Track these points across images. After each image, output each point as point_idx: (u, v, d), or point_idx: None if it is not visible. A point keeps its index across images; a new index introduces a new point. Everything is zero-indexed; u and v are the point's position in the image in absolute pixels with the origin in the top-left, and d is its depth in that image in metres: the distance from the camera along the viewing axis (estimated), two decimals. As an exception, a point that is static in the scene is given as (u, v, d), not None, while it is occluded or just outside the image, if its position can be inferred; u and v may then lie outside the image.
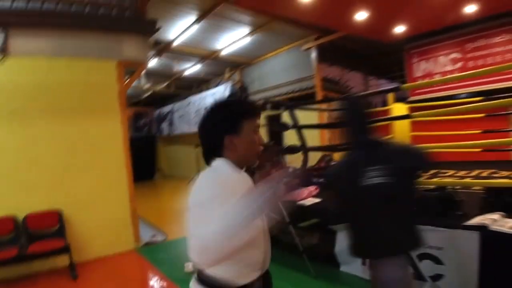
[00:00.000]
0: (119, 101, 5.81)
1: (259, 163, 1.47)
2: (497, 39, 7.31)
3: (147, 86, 12.46)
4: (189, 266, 4.49)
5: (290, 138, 6.36)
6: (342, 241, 4.11)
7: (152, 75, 11.54)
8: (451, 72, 8.00)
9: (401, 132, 6.85)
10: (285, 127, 5.10)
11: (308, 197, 4.83)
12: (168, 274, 4.61)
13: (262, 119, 1.45)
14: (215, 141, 1.37)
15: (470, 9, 6.29)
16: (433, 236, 3.16)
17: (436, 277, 3.24)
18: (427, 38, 8.19)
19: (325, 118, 8.48)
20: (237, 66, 11.40)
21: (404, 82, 8.72)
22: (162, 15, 6.88)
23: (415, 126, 7.22)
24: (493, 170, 5.84)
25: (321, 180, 5.14)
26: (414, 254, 2.18)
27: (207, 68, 11.30)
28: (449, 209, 3.43)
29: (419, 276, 3.28)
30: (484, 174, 5.73)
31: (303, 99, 9.00)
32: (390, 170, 1.99)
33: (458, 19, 6.79)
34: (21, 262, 4.57)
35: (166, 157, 17.54)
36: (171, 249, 5.74)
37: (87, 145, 5.52)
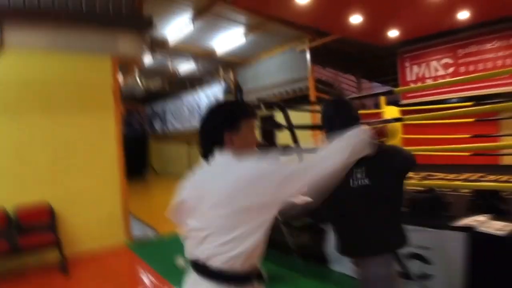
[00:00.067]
0: (113, 97, 5.81)
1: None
2: (489, 46, 7.43)
3: (140, 83, 12.42)
4: (180, 262, 4.50)
5: (283, 138, 6.39)
6: (332, 240, 4.16)
7: (146, 72, 11.51)
8: (443, 77, 8.11)
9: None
10: (278, 127, 5.14)
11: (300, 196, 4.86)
12: (158, 270, 4.62)
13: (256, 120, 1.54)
14: (216, 137, 1.44)
15: (463, 15, 6.38)
16: (421, 236, 3.22)
17: (424, 277, 3.30)
18: (420, 43, 8.30)
19: (318, 119, 8.51)
20: (231, 66, 11.42)
21: (396, 86, 8.81)
22: (158, 13, 6.88)
23: (407, 129, 7.30)
24: (481, 174, 5.94)
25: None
26: (402, 253, 2.22)
27: (202, 66, 11.29)
28: (438, 210, 3.50)
29: (406, 275, 3.33)
30: (473, 177, 5.82)
31: (297, 100, 9.05)
32: (377, 171, 2.04)
33: (451, 25, 6.89)
34: (12, 255, 4.55)
35: (158, 155, 17.51)
36: (161, 245, 5.76)
37: (80, 140, 5.51)
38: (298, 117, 5.82)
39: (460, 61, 7.90)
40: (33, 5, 5.00)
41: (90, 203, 5.50)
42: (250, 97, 10.74)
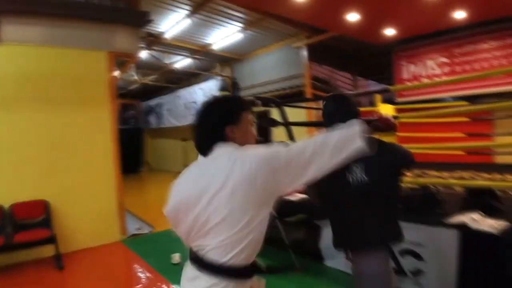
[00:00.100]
0: (108, 92, 5.79)
1: None
2: (485, 46, 7.45)
3: (136, 78, 12.38)
4: (175, 258, 4.52)
5: (278, 135, 6.42)
6: (327, 236, 4.19)
7: (142, 67, 11.47)
8: (439, 76, 8.14)
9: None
10: (274, 123, 5.15)
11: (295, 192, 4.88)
12: (154, 266, 4.63)
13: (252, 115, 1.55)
14: (217, 131, 1.44)
15: (460, 15, 6.40)
16: (414, 233, 3.26)
17: (417, 273, 3.34)
18: (416, 42, 8.31)
19: (313, 116, 8.55)
20: (227, 62, 11.40)
21: (392, 84, 8.83)
22: (155, 7, 6.86)
23: (402, 127, 7.32)
24: (475, 172, 5.99)
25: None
26: (396, 249, 2.25)
27: (198, 62, 11.27)
28: (431, 207, 3.53)
29: (400, 271, 3.37)
30: (467, 176, 5.86)
31: (293, 97, 9.05)
32: (376, 168, 2.06)
33: (447, 24, 6.91)
34: (7, 251, 4.55)
35: (152, 150, 17.47)
36: (157, 241, 5.77)
37: (75, 135, 5.50)
38: (293, 113, 5.84)
39: (456, 60, 7.92)
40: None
41: (86, 198, 5.50)
42: (246, 93, 10.72)
